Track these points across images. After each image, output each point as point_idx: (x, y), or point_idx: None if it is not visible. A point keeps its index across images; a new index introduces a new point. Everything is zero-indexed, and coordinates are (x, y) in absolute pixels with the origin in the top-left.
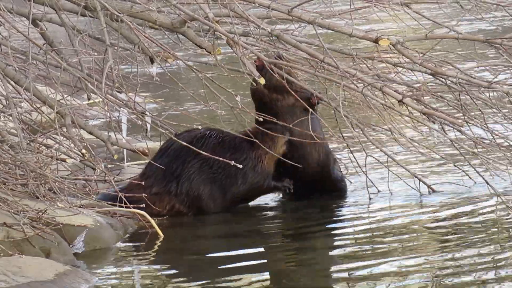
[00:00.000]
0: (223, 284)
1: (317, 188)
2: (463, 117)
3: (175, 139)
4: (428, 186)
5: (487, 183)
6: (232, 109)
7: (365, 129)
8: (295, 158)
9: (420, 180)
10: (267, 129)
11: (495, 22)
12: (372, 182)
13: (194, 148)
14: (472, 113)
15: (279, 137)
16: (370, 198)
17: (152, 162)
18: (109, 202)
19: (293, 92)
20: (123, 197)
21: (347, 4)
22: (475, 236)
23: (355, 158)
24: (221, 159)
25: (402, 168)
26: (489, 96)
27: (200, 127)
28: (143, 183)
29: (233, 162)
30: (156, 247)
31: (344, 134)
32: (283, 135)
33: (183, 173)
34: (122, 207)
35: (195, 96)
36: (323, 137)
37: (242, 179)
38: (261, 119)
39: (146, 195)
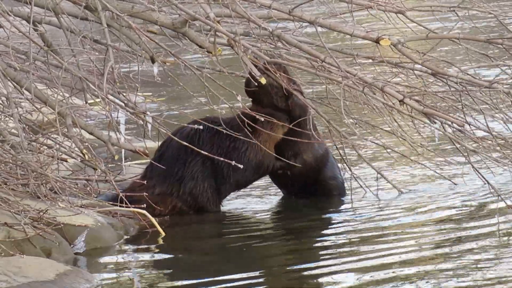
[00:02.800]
0: (224, 284)
1: (309, 182)
2: (463, 116)
3: (176, 138)
4: (398, 190)
5: (488, 182)
6: (231, 110)
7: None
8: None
9: (389, 182)
10: (267, 113)
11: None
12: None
13: (195, 148)
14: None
15: (279, 122)
16: (365, 199)
17: (153, 163)
18: (111, 202)
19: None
20: (123, 197)
21: (346, 6)
22: (476, 235)
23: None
24: (222, 159)
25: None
26: (490, 95)
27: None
28: (145, 184)
29: (233, 162)
30: (157, 247)
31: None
32: (282, 120)
33: (186, 173)
34: (123, 207)
35: (195, 95)
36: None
37: (246, 166)
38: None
39: (148, 196)
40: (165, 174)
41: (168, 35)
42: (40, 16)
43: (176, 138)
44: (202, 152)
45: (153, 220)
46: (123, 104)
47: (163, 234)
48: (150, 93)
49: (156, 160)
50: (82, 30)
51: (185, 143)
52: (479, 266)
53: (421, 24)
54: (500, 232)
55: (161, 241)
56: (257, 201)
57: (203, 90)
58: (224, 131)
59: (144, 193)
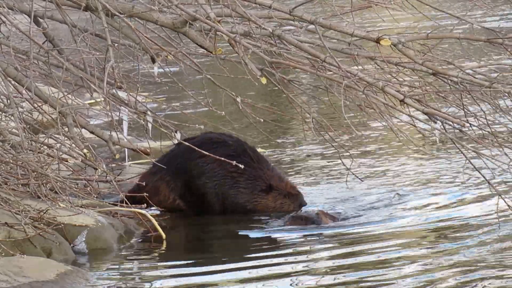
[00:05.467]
0: (224, 284)
1: None
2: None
3: (182, 141)
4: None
5: (488, 182)
6: (235, 102)
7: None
8: None
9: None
10: (293, 195)
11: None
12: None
13: (199, 149)
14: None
15: (291, 206)
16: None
17: (161, 156)
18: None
19: None
20: (124, 198)
21: (348, 5)
22: (476, 236)
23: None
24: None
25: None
26: (490, 95)
27: (227, 133)
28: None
29: (234, 162)
30: (157, 247)
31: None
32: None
33: (184, 167)
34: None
35: (195, 96)
36: None
37: (231, 200)
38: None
39: (149, 183)
40: (169, 163)
41: (167, 33)
42: (42, 11)
43: (180, 140)
44: (208, 154)
45: (153, 220)
46: (125, 101)
47: (163, 234)
48: (151, 93)
49: (172, 150)
50: (83, 28)
51: (187, 144)
52: (479, 266)
53: (427, 4)
54: (500, 231)
55: (161, 241)
56: None
57: (203, 90)
58: (240, 160)
59: (150, 180)
